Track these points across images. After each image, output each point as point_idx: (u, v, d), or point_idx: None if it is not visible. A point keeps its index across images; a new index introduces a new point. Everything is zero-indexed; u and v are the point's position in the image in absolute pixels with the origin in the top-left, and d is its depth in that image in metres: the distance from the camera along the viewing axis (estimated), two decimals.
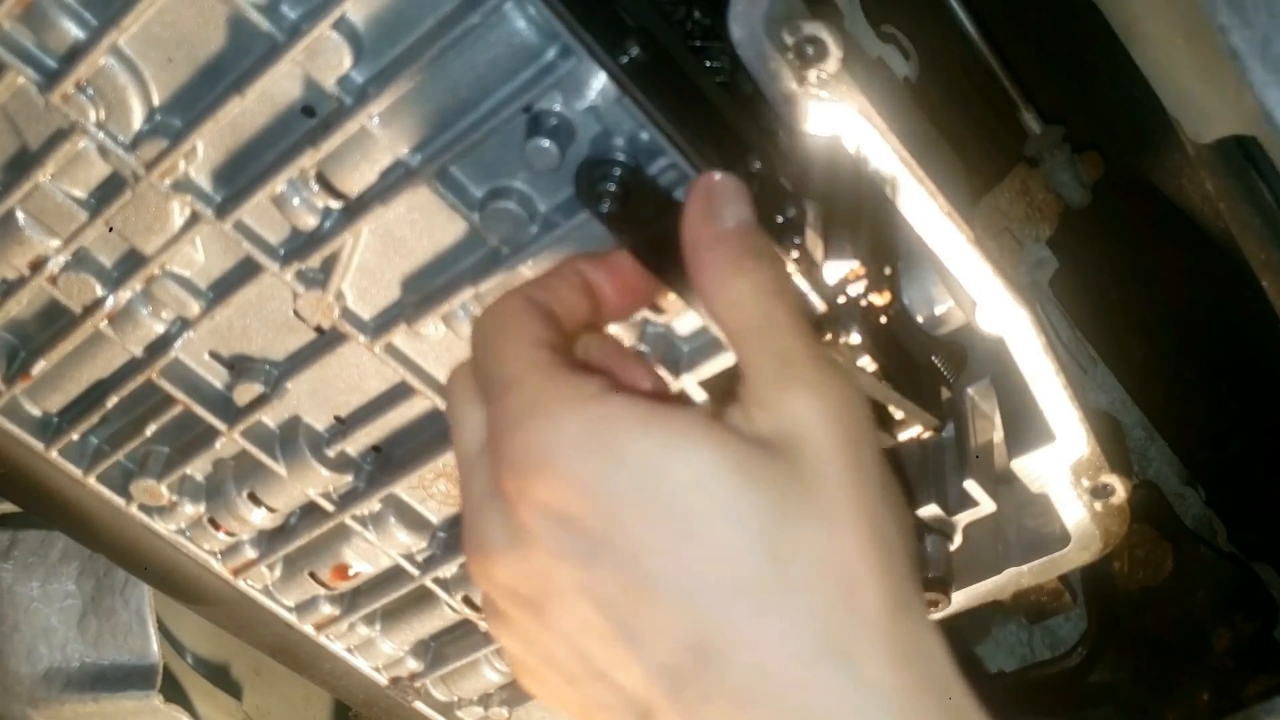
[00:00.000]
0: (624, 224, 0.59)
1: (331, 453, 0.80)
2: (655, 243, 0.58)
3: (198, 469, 0.85)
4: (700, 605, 0.47)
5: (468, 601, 0.88)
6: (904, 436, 0.70)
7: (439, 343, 0.73)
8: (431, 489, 0.83)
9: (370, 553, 0.87)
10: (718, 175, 0.55)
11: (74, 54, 0.62)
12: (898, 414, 0.69)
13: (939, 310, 0.73)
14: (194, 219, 0.69)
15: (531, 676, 0.56)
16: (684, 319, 0.70)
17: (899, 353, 0.68)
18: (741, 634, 0.47)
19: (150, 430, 0.81)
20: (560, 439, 0.49)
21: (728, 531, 0.47)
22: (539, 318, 0.54)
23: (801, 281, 0.60)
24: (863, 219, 0.64)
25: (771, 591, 0.47)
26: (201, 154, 0.66)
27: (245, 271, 0.72)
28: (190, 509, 0.86)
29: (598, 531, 0.48)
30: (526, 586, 0.52)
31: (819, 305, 0.62)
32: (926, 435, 0.70)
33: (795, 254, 0.58)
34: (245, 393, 0.78)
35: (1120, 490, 0.78)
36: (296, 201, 0.66)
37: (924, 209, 0.64)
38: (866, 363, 0.65)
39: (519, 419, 0.50)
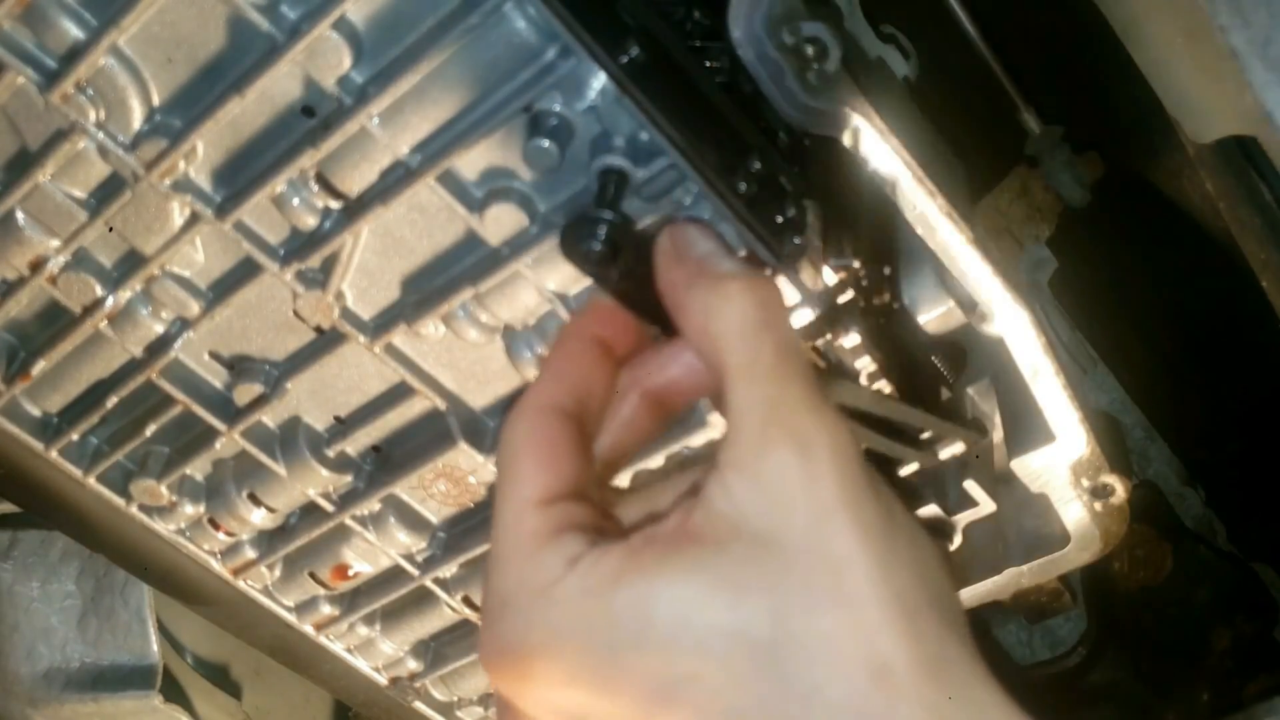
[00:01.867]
0: (611, 278, 0.57)
1: (331, 453, 0.80)
2: (643, 288, 0.56)
3: (198, 469, 0.85)
4: None
5: (468, 601, 0.88)
6: (945, 455, 0.68)
7: (439, 343, 0.73)
8: (431, 489, 0.83)
9: (370, 553, 0.87)
10: (677, 223, 0.55)
11: (74, 54, 0.62)
12: (930, 434, 0.66)
13: (939, 310, 0.73)
14: (194, 219, 0.69)
15: None
16: None
17: (899, 353, 0.68)
18: None
19: (150, 430, 0.81)
20: (530, 638, 0.47)
21: (733, 653, 0.44)
22: (546, 451, 0.51)
23: (800, 283, 0.60)
24: (862, 219, 0.64)
25: (794, 700, 0.44)
26: (201, 154, 0.66)
27: (245, 271, 0.72)
28: (190, 509, 0.86)
29: (603, 705, 0.47)
30: None
31: (816, 308, 0.61)
32: (965, 450, 0.66)
33: (793, 253, 0.57)
34: (245, 393, 0.78)
35: (1120, 490, 0.78)
36: (296, 201, 0.66)
37: (924, 209, 0.64)
38: (866, 363, 0.65)
39: (493, 618, 0.49)
